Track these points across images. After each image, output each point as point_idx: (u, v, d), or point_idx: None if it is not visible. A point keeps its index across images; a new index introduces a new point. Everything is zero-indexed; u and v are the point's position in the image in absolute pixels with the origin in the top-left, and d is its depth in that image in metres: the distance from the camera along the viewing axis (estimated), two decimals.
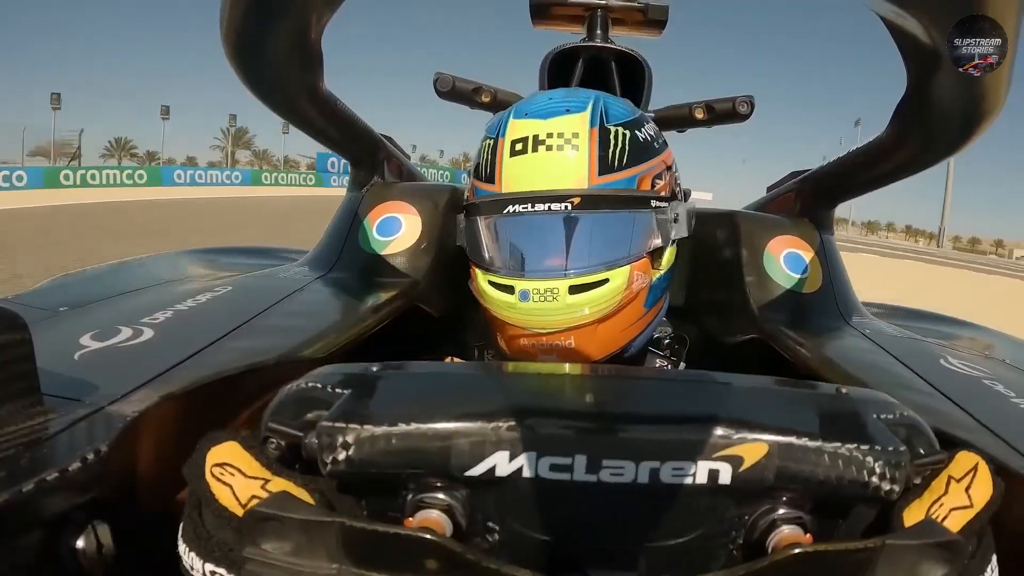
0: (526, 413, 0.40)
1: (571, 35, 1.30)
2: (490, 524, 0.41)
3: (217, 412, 0.55)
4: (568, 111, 0.74)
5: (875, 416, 0.44)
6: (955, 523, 0.39)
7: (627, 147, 0.73)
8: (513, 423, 0.39)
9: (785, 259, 0.94)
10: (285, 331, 0.67)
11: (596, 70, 1.19)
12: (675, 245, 0.78)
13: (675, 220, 0.76)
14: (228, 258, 1.23)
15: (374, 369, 0.47)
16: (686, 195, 0.81)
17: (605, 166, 0.72)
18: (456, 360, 0.90)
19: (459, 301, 0.98)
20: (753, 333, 0.89)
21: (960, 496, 0.40)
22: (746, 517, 0.41)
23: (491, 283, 0.74)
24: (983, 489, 0.40)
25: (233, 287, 0.79)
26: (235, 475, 0.38)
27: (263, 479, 0.39)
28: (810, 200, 1.04)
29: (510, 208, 0.71)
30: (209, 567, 0.38)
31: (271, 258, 1.26)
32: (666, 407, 0.44)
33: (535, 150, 0.72)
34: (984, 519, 0.39)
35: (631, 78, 1.19)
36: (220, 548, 0.38)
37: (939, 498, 0.40)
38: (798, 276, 0.92)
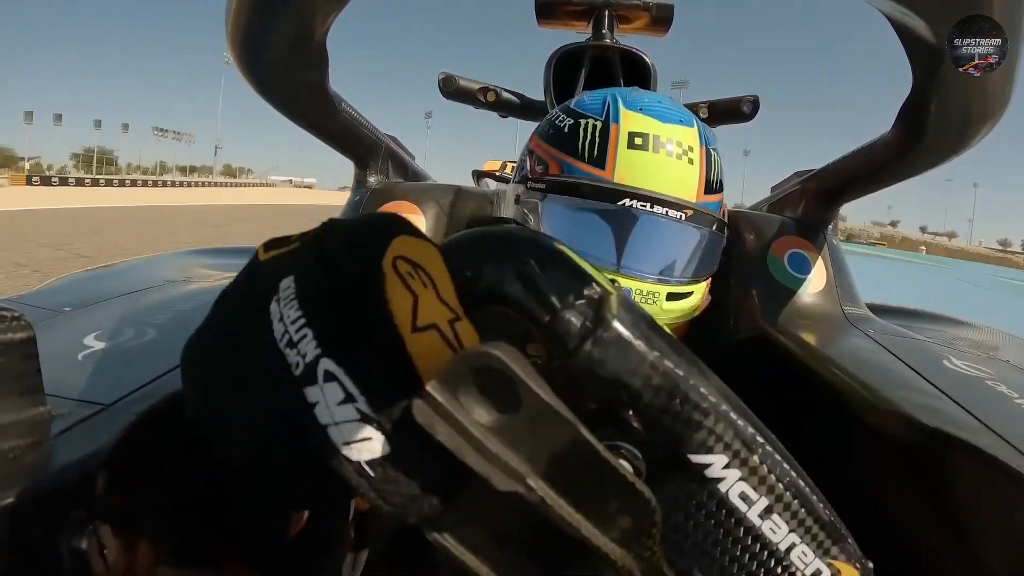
0: (765, 436, 0.35)
1: (576, 35, 1.30)
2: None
3: None
4: (681, 122, 0.74)
5: None
6: None
7: (719, 172, 0.76)
8: (751, 439, 0.34)
9: (789, 259, 0.93)
10: None
11: (602, 69, 1.20)
12: None
13: (723, 248, 0.80)
14: (232, 259, 1.24)
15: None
16: None
17: (708, 186, 0.74)
18: None
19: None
20: (755, 332, 0.89)
21: None
22: None
23: None
24: None
25: None
26: (427, 288, 0.28)
27: (455, 314, 0.29)
28: (814, 200, 1.03)
29: (627, 201, 0.70)
30: (329, 366, 0.27)
31: None
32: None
33: (656, 151, 0.72)
34: None
35: (636, 77, 1.19)
36: (350, 343, 0.27)
37: None
38: (801, 276, 0.92)
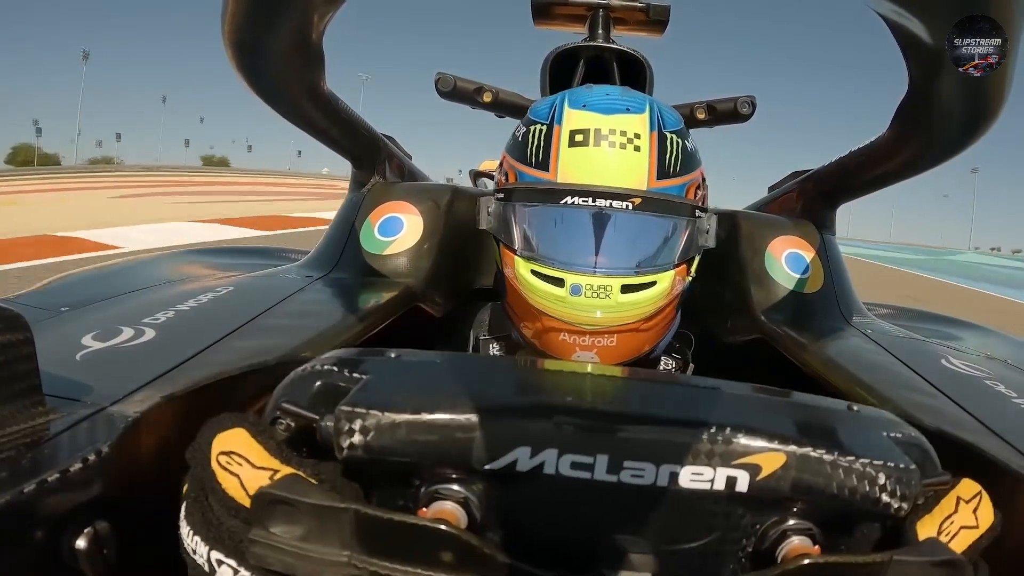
0: (550, 409, 0.39)
1: (572, 35, 1.30)
2: (506, 519, 0.40)
3: (218, 412, 0.55)
4: (628, 110, 0.74)
5: (885, 434, 0.44)
6: (961, 542, 0.40)
7: (680, 155, 0.74)
8: (537, 418, 0.38)
9: (787, 259, 0.93)
10: (286, 331, 0.67)
11: (597, 70, 1.19)
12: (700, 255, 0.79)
13: (707, 231, 0.77)
14: (229, 258, 1.23)
15: (392, 355, 0.46)
16: None
17: (663, 171, 0.72)
18: None
19: (460, 301, 0.98)
20: (755, 334, 0.88)
21: (968, 516, 0.41)
22: (758, 526, 0.41)
23: (536, 273, 0.73)
24: (987, 514, 0.41)
25: (234, 287, 0.79)
26: (243, 465, 0.37)
27: (272, 469, 0.37)
28: (812, 200, 1.03)
29: (569, 199, 0.70)
30: (216, 555, 0.37)
31: (272, 258, 1.26)
32: (689, 412, 0.43)
33: (597, 144, 0.71)
34: (986, 542, 0.41)
35: (632, 78, 1.19)
36: (230, 537, 0.36)
37: (950, 516, 0.41)
38: (800, 276, 0.92)
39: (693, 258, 0.77)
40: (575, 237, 0.73)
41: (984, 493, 0.42)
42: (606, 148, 0.71)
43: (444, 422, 0.38)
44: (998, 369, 0.75)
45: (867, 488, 0.39)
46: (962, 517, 0.41)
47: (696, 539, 0.40)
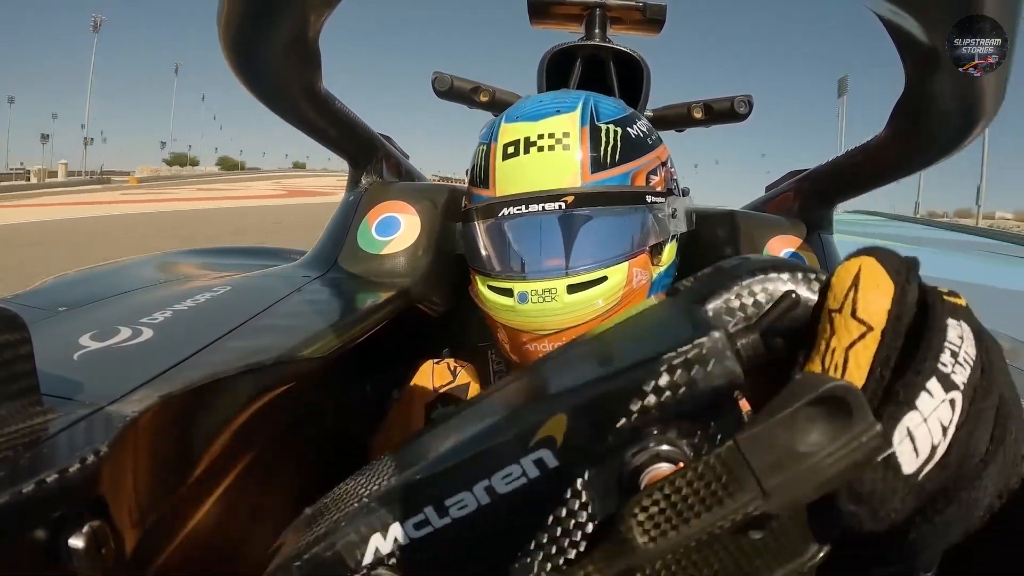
0: (376, 493, 0.38)
1: (569, 34, 1.30)
2: None
3: (216, 412, 0.55)
4: (558, 111, 0.74)
5: (703, 306, 0.35)
6: (861, 362, 0.29)
7: (619, 144, 0.73)
8: (370, 505, 0.37)
9: None
10: (284, 331, 0.67)
11: (594, 69, 1.20)
12: (675, 241, 0.78)
13: (672, 215, 0.76)
14: (226, 258, 1.23)
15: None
16: (684, 192, 0.82)
17: (597, 164, 0.72)
18: (455, 361, 0.90)
19: (458, 301, 0.98)
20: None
21: (848, 329, 0.30)
22: (609, 482, 0.35)
23: (490, 287, 0.74)
24: (878, 298, 0.29)
25: (232, 287, 0.79)
26: None
27: None
28: (809, 199, 1.04)
29: (505, 211, 0.72)
30: None
31: (269, 258, 1.26)
32: (470, 428, 0.39)
33: (527, 152, 0.72)
34: (899, 332, 0.29)
35: (629, 77, 1.19)
36: None
37: (827, 343, 0.30)
38: None
39: (660, 245, 0.76)
40: (515, 246, 0.75)
41: (866, 266, 0.30)
42: (535, 154, 0.72)
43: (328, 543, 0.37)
44: None
45: (678, 389, 0.32)
46: (841, 337, 0.30)
47: (556, 531, 0.36)
